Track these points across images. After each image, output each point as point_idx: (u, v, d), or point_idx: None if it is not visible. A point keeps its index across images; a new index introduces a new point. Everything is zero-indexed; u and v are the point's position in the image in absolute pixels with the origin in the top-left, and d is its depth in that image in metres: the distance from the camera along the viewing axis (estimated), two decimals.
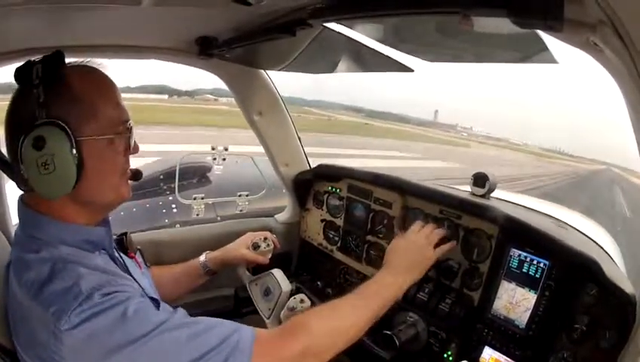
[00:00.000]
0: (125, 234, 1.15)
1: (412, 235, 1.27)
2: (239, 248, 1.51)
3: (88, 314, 0.72)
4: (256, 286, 1.52)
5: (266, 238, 1.55)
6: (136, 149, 0.97)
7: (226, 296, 1.83)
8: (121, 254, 1.07)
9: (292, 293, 1.49)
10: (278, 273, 1.49)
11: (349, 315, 1.02)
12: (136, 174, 1.01)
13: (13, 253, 0.88)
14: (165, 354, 0.75)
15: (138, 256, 1.17)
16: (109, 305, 0.74)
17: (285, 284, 1.46)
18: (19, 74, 0.84)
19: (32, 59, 0.84)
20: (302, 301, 1.42)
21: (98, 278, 0.79)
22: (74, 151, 0.81)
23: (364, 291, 1.09)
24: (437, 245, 1.27)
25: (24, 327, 0.79)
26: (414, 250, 1.23)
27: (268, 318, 1.42)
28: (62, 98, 0.82)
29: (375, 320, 1.06)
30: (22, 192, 0.93)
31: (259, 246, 1.52)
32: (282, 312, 1.40)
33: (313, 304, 1.42)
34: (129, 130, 0.94)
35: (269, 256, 1.56)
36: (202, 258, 1.48)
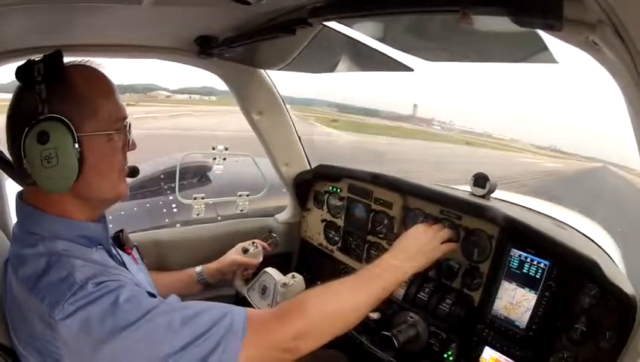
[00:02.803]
0: (122, 231, 1.17)
1: (421, 227, 1.28)
2: (231, 255, 1.59)
3: (82, 303, 0.74)
4: (254, 291, 1.54)
5: (254, 242, 1.62)
6: (133, 146, 0.99)
7: (226, 296, 1.84)
8: (118, 250, 1.08)
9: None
10: (270, 269, 1.53)
11: (349, 298, 1.00)
12: (134, 171, 1.04)
13: (11, 249, 0.89)
14: (159, 338, 0.76)
15: (135, 253, 1.18)
16: (101, 293, 0.76)
17: (278, 275, 1.48)
18: (20, 72, 0.85)
19: (33, 58, 0.85)
20: (293, 276, 1.45)
21: (92, 269, 0.80)
22: (76, 145, 0.83)
23: (367, 274, 1.08)
24: (443, 243, 1.28)
25: (22, 322, 0.80)
26: (424, 240, 1.23)
27: None
28: (63, 95, 0.84)
29: (377, 304, 1.04)
30: (20, 189, 0.94)
31: (247, 250, 1.59)
32: (278, 289, 1.43)
33: (307, 282, 1.44)
34: (127, 127, 0.96)
35: (260, 257, 1.62)
36: (198, 268, 1.53)
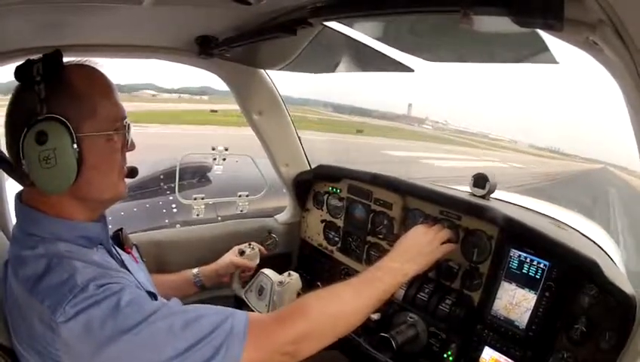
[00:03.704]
0: (121, 229, 1.16)
1: (422, 228, 1.28)
2: (228, 256, 1.58)
3: (83, 306, 0.73)
4: (251, 293, 1.54)
5: (250, 244, 1.62)
6: (132, 146, 0.98)
7: (226, 296, 1.84)
8: (118, 249, 1.08)
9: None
10: (266, 270, 1.53)
11: (350, 301, 1.00)
12: (133, 171, 1.03)
13: (10, 250, 0.89)
14: (160, 341, 0.76)
15: (134, 251, 1.18)
16: (103, 296, 0.75)
17: (274, 275, 1.48)
18: (19, 72, 0.85)
19: (32, 58, 0.85)
20: (289, 274, 1.45)
21: (93, 271, 0.80)
22: (74, 146, 0.82)
23: (367, 276, 1.08)
24: (443, 244, 1.28)
25: (22, 323, 0.80)
26: (423, 242, 1.23)
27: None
28: (62, 95, 0.84)
29: (378, 306, 1.05)
30: (20, 190, 0.94)
31: (244, 252, 1.59)
32: (274, 288, 1.43)
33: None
34: (126, 127, 0.95)
35: (257, 259, 1.62)
36: (195, 270, 1.52)
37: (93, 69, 0.92)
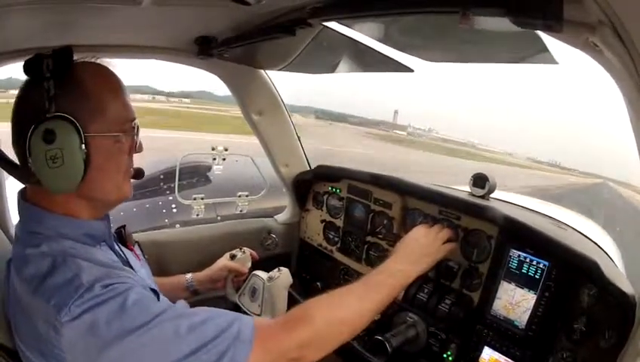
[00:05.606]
0: (123, 227, 1.16)
1: (422, 229, 1.28)
2: (221, 261, 1.56)
3: (89, 306, 0.72)
4: (244, 296, 1.53)
5: (241, 248, 1.60)
6: (140, 148, 0.97)
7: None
8: (121, 246, 1.07)
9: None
10: (257, 271, 1.52)
11: (355, 305, 0.99)
12: (139, 173, 1.02)
13: (14, 250, 0.88)
14: (165, 344, 0.75)
15: (136, 249, 1.18)
16: (109, 296, 0.74)
17: (265, 275, 1.48)
18: (28, 66, 0.83)
19: (42, 53, 0.83)
20: (279, 269, 1.43)
21: (99, 271, 0.79)
22: (82, 146, 0.81)
23: (372, 280, 1.08)
24: (444, 244, 1.28)
25: (26, 323, 0.79)
26: (425, 243, 1.23)
27: (259, 315, 1.42)
28: (72, 93, 0.82)
29: (382, 309, 1.05)
30: (22, 188, 0.93)
31: (235, 256, 1.57)
32: (265, 285, 1.42)
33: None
34: (135, 129, 0.94)
35: (249, 263, 1.59)
36: (188, 276, 1.50)
37: (104, 67, 0.90)
